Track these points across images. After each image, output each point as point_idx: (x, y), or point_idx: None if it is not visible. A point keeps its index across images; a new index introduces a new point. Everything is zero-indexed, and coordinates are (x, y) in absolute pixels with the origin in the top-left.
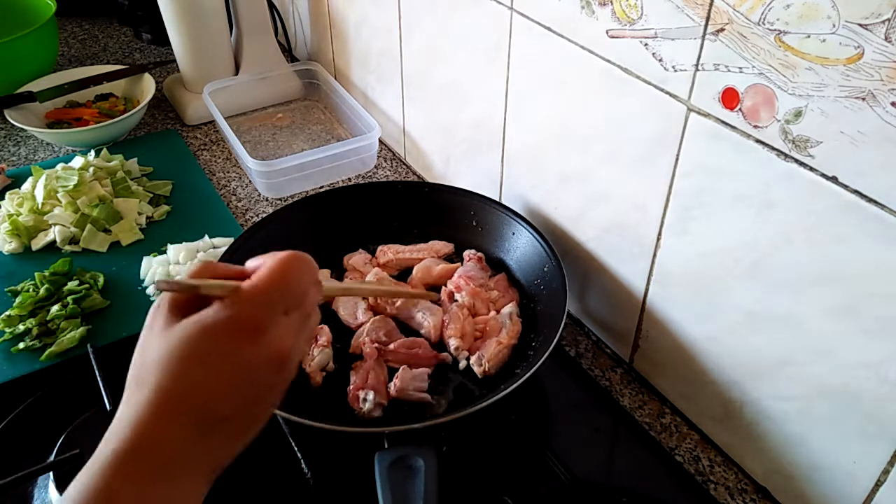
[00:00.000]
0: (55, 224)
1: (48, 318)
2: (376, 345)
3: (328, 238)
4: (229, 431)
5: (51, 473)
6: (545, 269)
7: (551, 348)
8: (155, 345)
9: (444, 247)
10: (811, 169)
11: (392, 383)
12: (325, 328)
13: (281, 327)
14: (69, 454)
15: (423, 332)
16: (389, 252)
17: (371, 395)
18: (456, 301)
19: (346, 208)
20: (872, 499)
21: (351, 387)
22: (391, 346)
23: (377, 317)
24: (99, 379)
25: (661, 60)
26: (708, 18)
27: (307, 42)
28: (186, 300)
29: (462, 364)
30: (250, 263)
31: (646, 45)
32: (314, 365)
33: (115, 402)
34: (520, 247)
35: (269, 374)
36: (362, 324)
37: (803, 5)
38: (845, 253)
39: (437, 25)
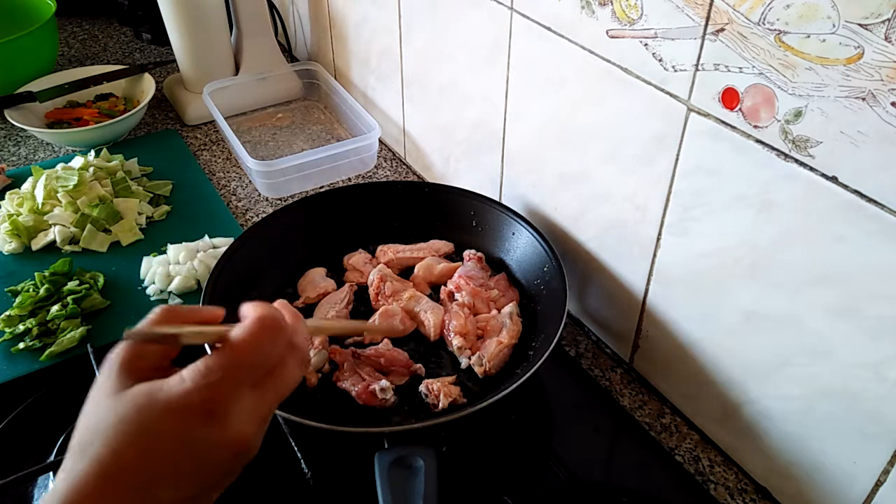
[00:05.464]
0: (55, 224)
1: (48, 318)
2: (351, 349)
3: (328, 238)
4: None
5: (51, 473)
6: (545, 269)
7: (551, 348)
8: (102, 409)
9: (444, 246)
10: (811, 169)
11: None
12: None
13: (243, 408)
14: None
15: (423, 330)
16: (389, 252)
17: (385, 383)
18: (455, 300)
19: (346, 208)
20: (872, 499)
21: (357, 389)
22: (369, 352)
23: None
24: None
25: (661, 60)
26: (708, 18)
27: (307, 42)
28: (143, 360)
29: (463, 363)
30: (209, 310)
31: (646, 45)
32: (310, 367)
33: None
34: (520, 247)
35: (224, 461)
36: None
37: (803, 5)
38: (845, 253)
39: (437, 25)
